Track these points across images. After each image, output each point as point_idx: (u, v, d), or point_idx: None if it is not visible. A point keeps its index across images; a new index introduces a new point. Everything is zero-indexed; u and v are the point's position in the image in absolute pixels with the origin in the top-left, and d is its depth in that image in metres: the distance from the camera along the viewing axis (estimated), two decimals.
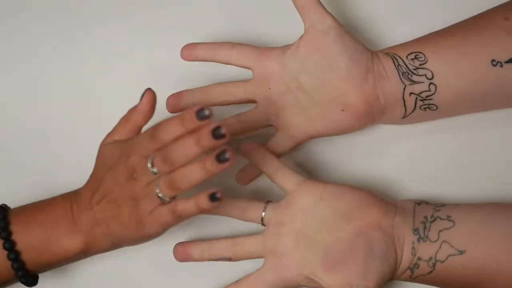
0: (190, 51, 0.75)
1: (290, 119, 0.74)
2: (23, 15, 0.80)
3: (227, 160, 0.63)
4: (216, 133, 0.62)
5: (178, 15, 0.80)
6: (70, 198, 0.69)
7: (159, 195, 0.64)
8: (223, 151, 0.63)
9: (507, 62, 0.71)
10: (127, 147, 0.66)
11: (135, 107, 0.68)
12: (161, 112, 0.76)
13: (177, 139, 0.63)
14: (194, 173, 0.63)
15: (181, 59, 0.75)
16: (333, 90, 0.72)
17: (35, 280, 0.69)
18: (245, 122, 0.75)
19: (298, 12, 0.72)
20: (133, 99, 0.77)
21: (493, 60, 0.71)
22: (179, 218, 0.65)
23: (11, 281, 0.68)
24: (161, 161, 0.64)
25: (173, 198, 0.65)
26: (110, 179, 0.66)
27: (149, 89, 0.67)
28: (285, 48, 0.74)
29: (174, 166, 0.64)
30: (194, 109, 0.62)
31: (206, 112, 0.62)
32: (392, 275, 0.71)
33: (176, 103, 0.75)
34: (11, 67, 0.80)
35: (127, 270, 0.78)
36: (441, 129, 0.78)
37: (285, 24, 0.77)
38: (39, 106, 0.79)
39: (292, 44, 0.73)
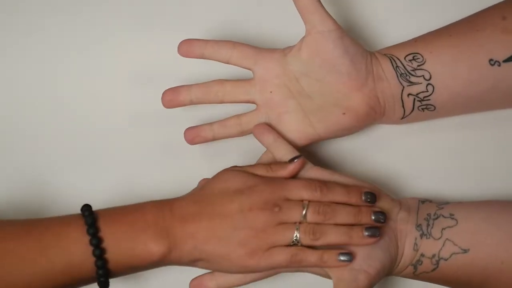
0: (187, 47, 0.74)
1: (291, 123, 0.73)
2: (17, 14, 0.80)
3: (375, 237, 0.68)
4: (377, 218, 0.69)
5: (177, 13, 0.79)
6: (163, 206, 0.69)
7: (294, 238, 0.68)
8: (376, 227, 0.69)
9: (505, 61, 0.71)
10: (271, 183, 0.69)
11: (283, 164, 0.71)
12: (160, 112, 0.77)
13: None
14: (337, 234, 0.68)
15: (178, 55, 0.74)
16: (334, 93, 0.72)
17: (107, 284, 0.68)
18: (245, 124, 0.74)
19: (299, 14, 0.72)
20: (129, 98, 0.78)
21: (491, 60, 0.71)
22: (293, 264, 0.68)
23: (86, 281, 0.67)
24: (316, 212, 0.68)
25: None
26: (237, 203, 0.68)
27: (302, 157, 0.71)
28: (286, 50, 0.73)
29: (323, 221, 0.68)
30: (363, 190, 0.70)
31: (373, 198, 0.69)
32: (392, 267, 0.71)
33: (173, 99, 0.74)
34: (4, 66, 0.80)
35: None
36: (443, 127, 0.79)
37: (286, 24, 0.77)
38: (37, 105, 0.79)
39: (294, 46, 0.73)
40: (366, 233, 0.68)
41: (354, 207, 0.69)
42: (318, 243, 0.68)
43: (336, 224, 0.69)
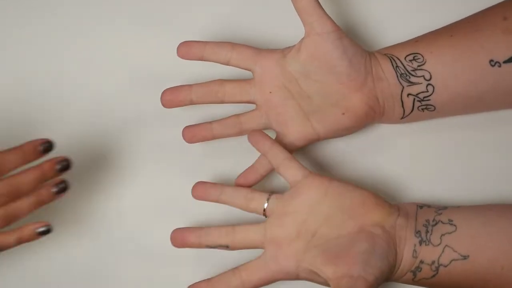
0: (187, 49, 0.73)
1: (290, 124, 0.73)
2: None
3: (64, 191, 0.67)
4: (62, 166, 0.66)
5: (177, 13, 0.79)
6: None
7: None
8: (62, 181, 0.67)
9: (505, 62, 0.71)
10: None
11: None
12: (160, 112, 0.77)
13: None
14: (28, 206, 0.66)
15: (178, 57, 0.74)
16: (333, 94, 0.72)
17: None
18: (244, 124, 0.74)
19: (298, 15, 0.72)
20: (129, 98, 0.79)
21: (491, 60, 0.71)
22: None
23: None
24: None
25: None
26: None
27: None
28: (286, 51, 0.73)
29: (14, 198, 0.66)
30: (37, 141, 0.65)
31: (51, 145, 0.66)
32: (391, 274, 0.71)
33: (172, 99, 0.74)
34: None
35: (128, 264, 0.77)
36: (443, 127, 0.78)
37: (286, 25, 0.77)
38: (37, 103, 0.79)
39: (293, 46, 0.73)
40: (55, 190, 0.67)
41: (36, 170, 0.66)
42: (12, 224, 0.66)
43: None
